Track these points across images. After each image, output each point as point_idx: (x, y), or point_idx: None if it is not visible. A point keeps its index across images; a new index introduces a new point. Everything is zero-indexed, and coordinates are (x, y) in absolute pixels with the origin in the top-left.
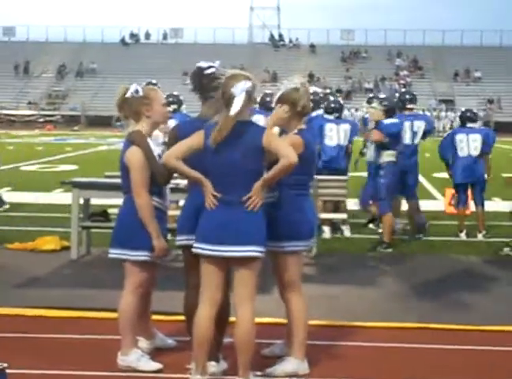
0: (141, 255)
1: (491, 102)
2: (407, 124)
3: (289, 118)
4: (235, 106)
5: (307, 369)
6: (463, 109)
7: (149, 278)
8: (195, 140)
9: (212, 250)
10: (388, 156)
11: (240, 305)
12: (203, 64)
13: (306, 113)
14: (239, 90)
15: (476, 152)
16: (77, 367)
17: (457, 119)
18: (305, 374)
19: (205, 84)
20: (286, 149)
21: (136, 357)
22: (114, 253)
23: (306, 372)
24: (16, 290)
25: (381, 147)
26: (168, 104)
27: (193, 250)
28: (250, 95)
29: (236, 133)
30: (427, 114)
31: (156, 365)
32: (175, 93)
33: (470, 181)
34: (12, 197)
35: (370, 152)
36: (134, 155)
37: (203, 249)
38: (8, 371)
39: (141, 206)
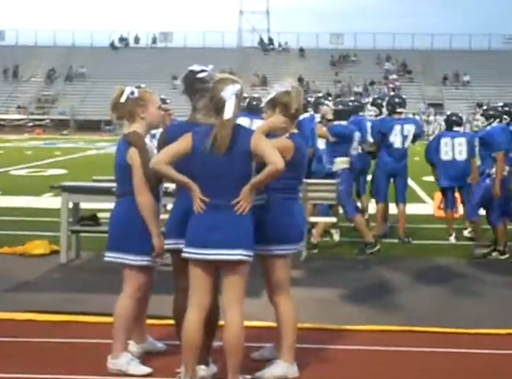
0: (142, 260)
1: (480, 106)
2: (397, 127)
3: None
4: (228, 111)
5: (297, 373)
6: (448, 112)
7: (147, 282)
8: (182, 144)
9: (200, 254)
10: (341, 163)
11: (229, 309)
12: (196, 67)
13: (298, 116)
14: (229, 94)
15: (461, 156)
16: (68, 371)
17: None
18: (294, 378)
19: (197, 88)
20: (273, 155)
21: (126, 360)
22: (111, 256)
23: (295, 375)
24: (5, 295)
25: (333, 153)
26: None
27: (182, 255)
28: (239, 98)
29: None
30: (417, 117)
31: (146, 370)
32: (162, 96)
33: (455, 184)
34: (1, 201)
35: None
36: (136, 154)
37: (190, 253)
38: None
39: (143, 205)
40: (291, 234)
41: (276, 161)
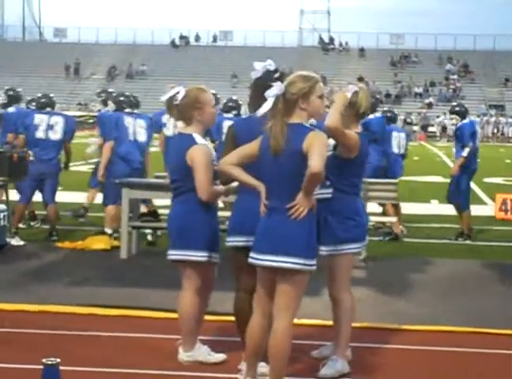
0: (208, 256)
1: None
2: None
3: (347, 120)
4: (262, 108)
5: (348, 368)
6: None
7: (211, 278)
8: (251, 145)
9: (256, 259)
10: None
11: (276, 317)
12: (271, 67)
13: (364, 116)
14: (272, 93)
15: None
16: (128, 365)
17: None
18: (347, 373)
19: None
20: (314, 159)
21: (203, 351)
22: (176, 254)
23: (348, 371)
24: (66, 289)
25: None
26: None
27: (249, 260)
28: (279, 98)
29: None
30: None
31: (223, 356)
32: (213, 91)
33: None
34: (61, 196)
35: None
36: (201, 150)
37: (251, 257)
38: (60, 367)
39: (209, 200)
40: (360, 233)
41: (312, 164)
